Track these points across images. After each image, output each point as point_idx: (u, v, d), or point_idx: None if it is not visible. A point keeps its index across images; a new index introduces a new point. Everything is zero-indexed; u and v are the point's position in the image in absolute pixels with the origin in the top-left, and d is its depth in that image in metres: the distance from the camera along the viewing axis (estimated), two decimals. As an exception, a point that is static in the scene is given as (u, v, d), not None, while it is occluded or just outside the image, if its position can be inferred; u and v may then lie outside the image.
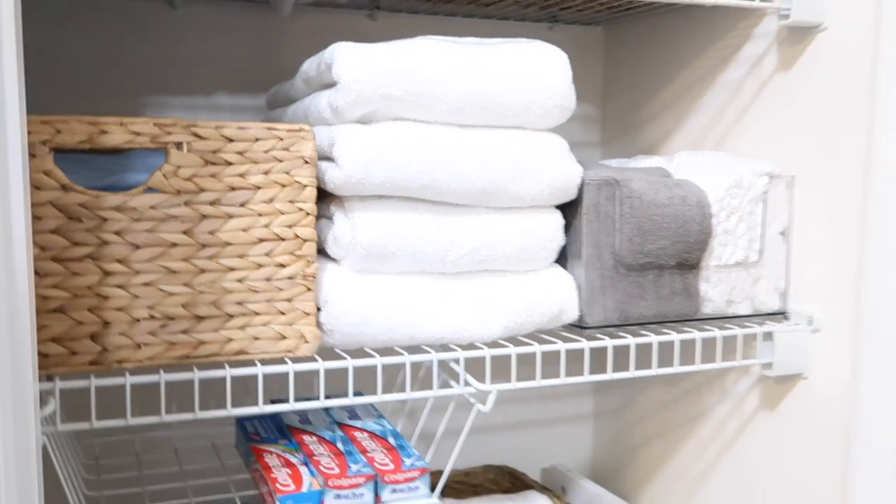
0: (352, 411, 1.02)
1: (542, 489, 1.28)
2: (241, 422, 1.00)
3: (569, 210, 0.93)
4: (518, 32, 1.30)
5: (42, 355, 0.72)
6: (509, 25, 1.30)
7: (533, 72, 0.86)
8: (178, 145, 0.76)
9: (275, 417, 1.01)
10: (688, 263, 0.96)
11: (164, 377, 0.75)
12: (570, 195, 0.91)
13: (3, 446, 0.50)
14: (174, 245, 0.76)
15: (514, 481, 1.34)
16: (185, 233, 0.76)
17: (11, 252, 0.46)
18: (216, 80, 1.16)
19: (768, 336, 1.00)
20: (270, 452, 0.90)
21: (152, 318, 0.76)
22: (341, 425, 0.97)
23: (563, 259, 0.94)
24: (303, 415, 1.01)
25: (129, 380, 0.74)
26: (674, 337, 0.95)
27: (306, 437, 0.93)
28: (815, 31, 0.97)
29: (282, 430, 0.97)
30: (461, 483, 1.34)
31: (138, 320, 0.75)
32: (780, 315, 1.03)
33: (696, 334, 0.96)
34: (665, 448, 1.26)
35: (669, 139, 1.23)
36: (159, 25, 1.12)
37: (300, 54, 1.18)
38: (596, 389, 1.44)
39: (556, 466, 1.38)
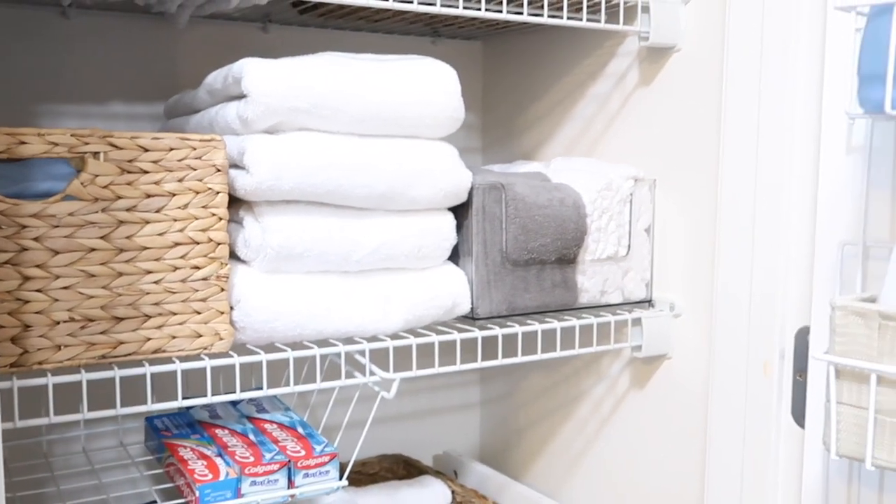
0: (259, 405, 1.07)
1: (436, 474, 1.36)
2: (150, 420, 1.03)
3: (460, 212, 1.02)
4: (402, 46, 1.38)
5: (-37, 359, 0.74)
6: (394, 39, 1.37)
7: (426, 86, 0.94)
8: (95, 155, 0.79)
9: (185, 414, 1.04)
10: (566, 258, 1.07)
11: (85, 376, 0.79)
12: (462, 198, 1.00)
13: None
14: (92, 250, 0.80)
15: (408, 468, 1.42)
16: (102, 238, 0.80)
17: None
18: (111, 90, 1.18)
19: (637, 322, 1.12)
20: (184, 447, 0.94)
21: (72, 320, 0.79)
22: (251, 419, 1.02)
23: (455, 256, 1.03)
24: (212, 410, 1.05)
25: (51, 380, 0.77)
26: (555, 325, 1.05)
27: (218, 431, 0.98)
28: (671, 52, 1.10)
29: (192, 425, 1.01)
30: (358, 473, 1.41)
31: (58, 323, 0.79)
32: (646, 303, 1.15)
33: (574, 322, 1.07)
34: (548, 429, 1.37)
35: (545, 146, 1.35)
36: (53, 35, 1.13)
37: (195, 65, 1.22)
38: (482, 378, 1.54)
39: (447, 452, 1.46)
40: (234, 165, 0.89)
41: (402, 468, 1.43)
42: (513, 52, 1.41)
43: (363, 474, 1.42)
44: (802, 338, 0.86)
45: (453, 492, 1.32)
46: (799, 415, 0.86)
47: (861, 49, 0.65)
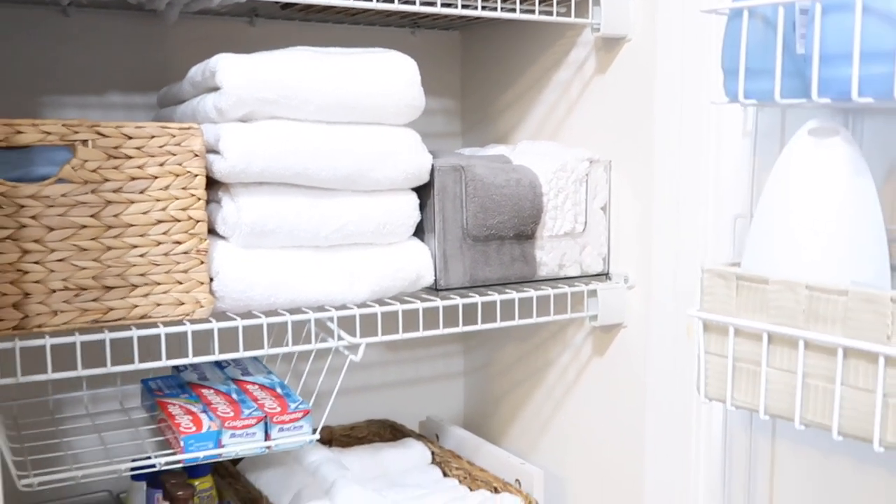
0: (244, 368, 1.17)
1: (419, 437, 1.46)
2: (145, 382, 1.14)
3: (424, 191, 1.11)
4: (383, 36, 1.47)
5: (-29, 323, 0.85)
6: (375, 30, 1.46)
7: (387, 77, 1.03)
8: (84, 142, 0.90)
9: (176, 376, 1.15)
10: (524, 234, 1.16)
11: (79, 338, 0.89)
12: (423, 179, 1.09)
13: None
14: (83, 227, 0.90)
15: (394, 432, 1.52)
16: (92, 216, 0.90)
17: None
18: (108, 81, 1.28)
19: (593, 293, 1.20)
20: (174, 404, 1.05)
21: (66, 289, 0.90)
22: (235, 381, 1.13)
23: (420, 232, 1.13)
24: (201, 373, 1.15)
25: (49, 341, 0.88)
26: (514, 295, 1.14)
27: (204, 391, 1.09)
28: (622, 42, 1.18)
29: (182, 386, 1.11)
30: (347, 436, 1.51)
31: (54, 291, 0.89)
32: (603, 276, 1.24)
33: (532, 293, 1.16)
34: (521, 395, 1.47)
35: (516, 130, 1.43)
36: (54, 32, 1.23)
37: (186, 57, 1.31)
38: (465, 349, 1.64)
39: (430, 418, 1.56)
40: (212, 150, 0.99)
41: (389, 432, 1.53)
42: (488, 42, 1.49)
43: (352, 437, 1.52)
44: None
45: (433, 452, 1.42)
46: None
47: (722, 46, 0.73)
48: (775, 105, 0.68)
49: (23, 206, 0.87)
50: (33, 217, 0.88)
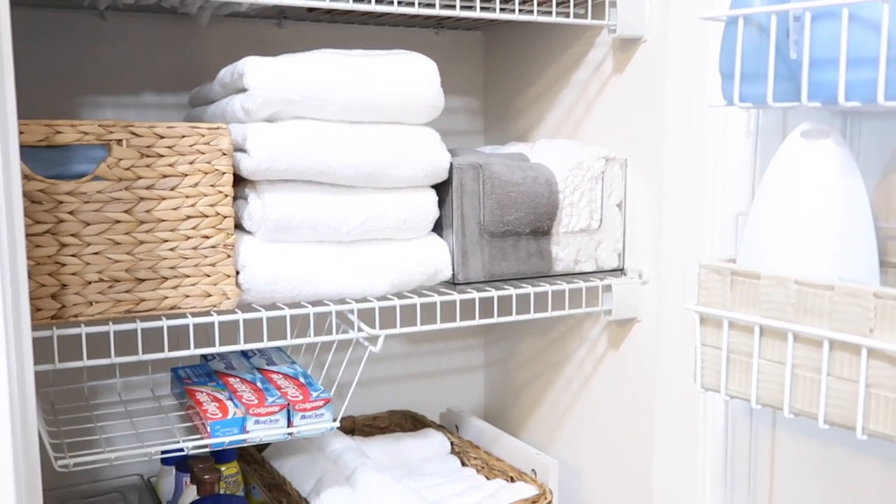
0: (269, 358, 1.22)
1: (439, 427, 1.50)
2: (175, 370, 1.19)
3: (442, 189, 1.14)
4: (407, 36, 1.51)
5: (13, 312, 0.90)
6: (400, 31, 1.50)
7: (407, 79, 1.07)
8: (119, 141, 0.95)
9: (204, 366, 1.20)
10: (540, 230, 1.19)
11: (112, 328, 0.94)
12: (442, 177, 1.12)
13: (8, 389, 0.67)
14: (117, 222, 0.95)
15: (415, 423, 1.56)
16: (126, 212, 0.95)
17: (13, 227, 0.65)
18: (143, 82, 1.33)
19: (607, 288, 1.23)
20: (201, 392, 1.09)
21: (101, 280, 0.95)
22: (260, 370, 1.18)
23: (438, 228, 1.16)
24: (227, 362, 1.20)
25: (84, 330, 0.93)
26: (529, 290, 1.18)
27: (231, 380, 1.13)
28: (638, 42, 1.21)
29: (210, 375, 1.16)
30: (370, 426, 1.55)
31: (90, 282, 0.94)
32: (618, 271, 1.27)
33: (547, 287, 1.19)
34: (540, 388, 1.50)
35: (537, 128, 1.46)
36: (92, 35, 1.29)
37: (217, 59, 1.36)
38: (485, 343, 1.67)
39: (450, 409, 1.60)
40: (240, 149, 1.03)
41: (410, 423, 1.57)
42: (510, 42, 1.52)
43: (374, 427, 1.57)
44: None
45: (452, 443, 1.46)
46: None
47: (720, 52, 0.76)
48: (769, 108, 0.71)
49: (61, 202, 0.92)
50: (71, 212, 0.93)
